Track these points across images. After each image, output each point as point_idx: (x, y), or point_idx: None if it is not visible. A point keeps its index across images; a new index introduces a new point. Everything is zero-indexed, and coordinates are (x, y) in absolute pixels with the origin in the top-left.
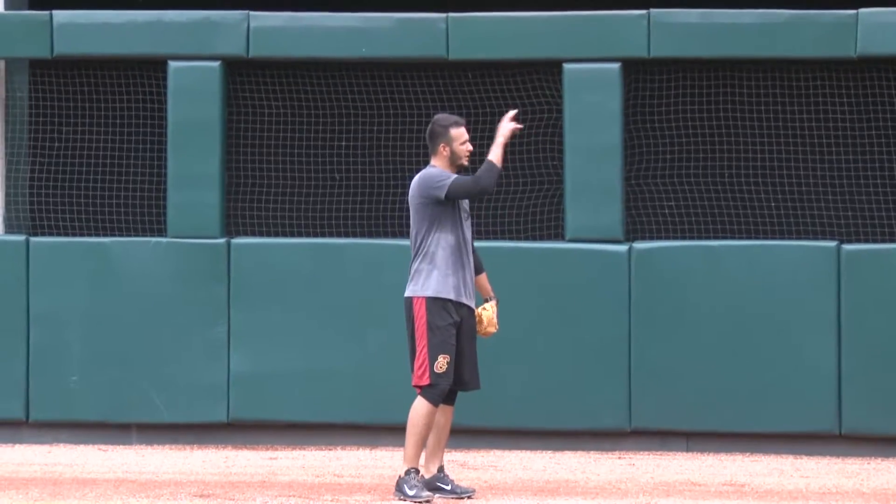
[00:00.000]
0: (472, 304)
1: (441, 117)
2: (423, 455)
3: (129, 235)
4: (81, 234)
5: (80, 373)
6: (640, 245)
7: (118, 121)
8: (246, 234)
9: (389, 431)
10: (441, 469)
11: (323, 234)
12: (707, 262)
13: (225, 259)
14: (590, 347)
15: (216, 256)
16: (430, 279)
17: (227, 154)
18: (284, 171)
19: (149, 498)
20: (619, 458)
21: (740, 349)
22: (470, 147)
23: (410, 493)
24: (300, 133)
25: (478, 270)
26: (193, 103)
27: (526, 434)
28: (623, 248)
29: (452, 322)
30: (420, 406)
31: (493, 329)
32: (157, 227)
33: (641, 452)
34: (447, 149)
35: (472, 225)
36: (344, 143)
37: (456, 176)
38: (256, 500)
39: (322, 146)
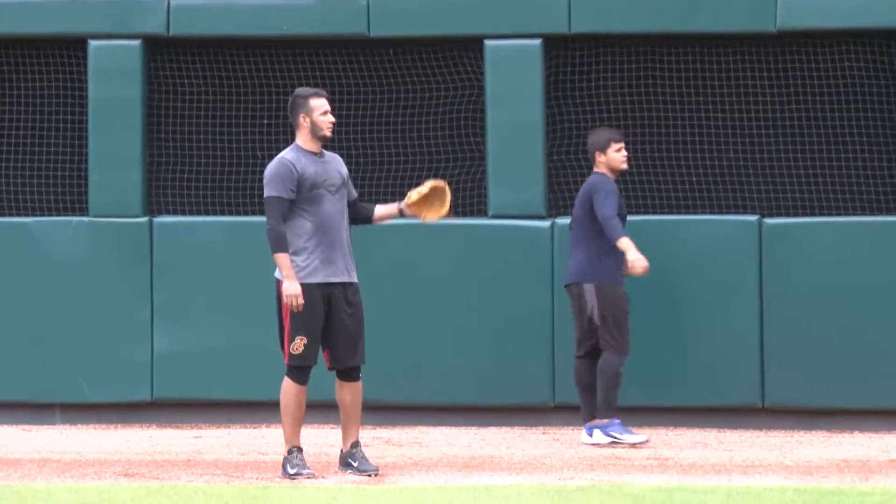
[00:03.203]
0: (347, 279)
1: (300, 89)
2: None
3: (51, 215)
4: (2, 214)
5: (3, 353)
6: (562, 221)
7: (38, 100)
8: (168, 212)
9: (314, 409)
10: (355, 444)
11: (246, 213)
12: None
13: (147, 238)
14: (513, 323)
15: (138, 235)
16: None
17: (149, 133)
18: (207, 149)
19: (73, 478)
20: (544, 433)
21: (662, 323)
22: (332, 118)
23: (291, 471)
24: (222, 111)
25: (368, 216)
26: (114, 82)
27: (450, 410)
28: (546, 223)
29: (315, 301)
30: (286, 386)
31: (443, 208)
32: (79, 206)
33: (566, 427)
34: (307, 119)
35: (346, 191)
36: (266, 122)
37: (278, 197)
38: (181, 478)
39: (244, 124)
